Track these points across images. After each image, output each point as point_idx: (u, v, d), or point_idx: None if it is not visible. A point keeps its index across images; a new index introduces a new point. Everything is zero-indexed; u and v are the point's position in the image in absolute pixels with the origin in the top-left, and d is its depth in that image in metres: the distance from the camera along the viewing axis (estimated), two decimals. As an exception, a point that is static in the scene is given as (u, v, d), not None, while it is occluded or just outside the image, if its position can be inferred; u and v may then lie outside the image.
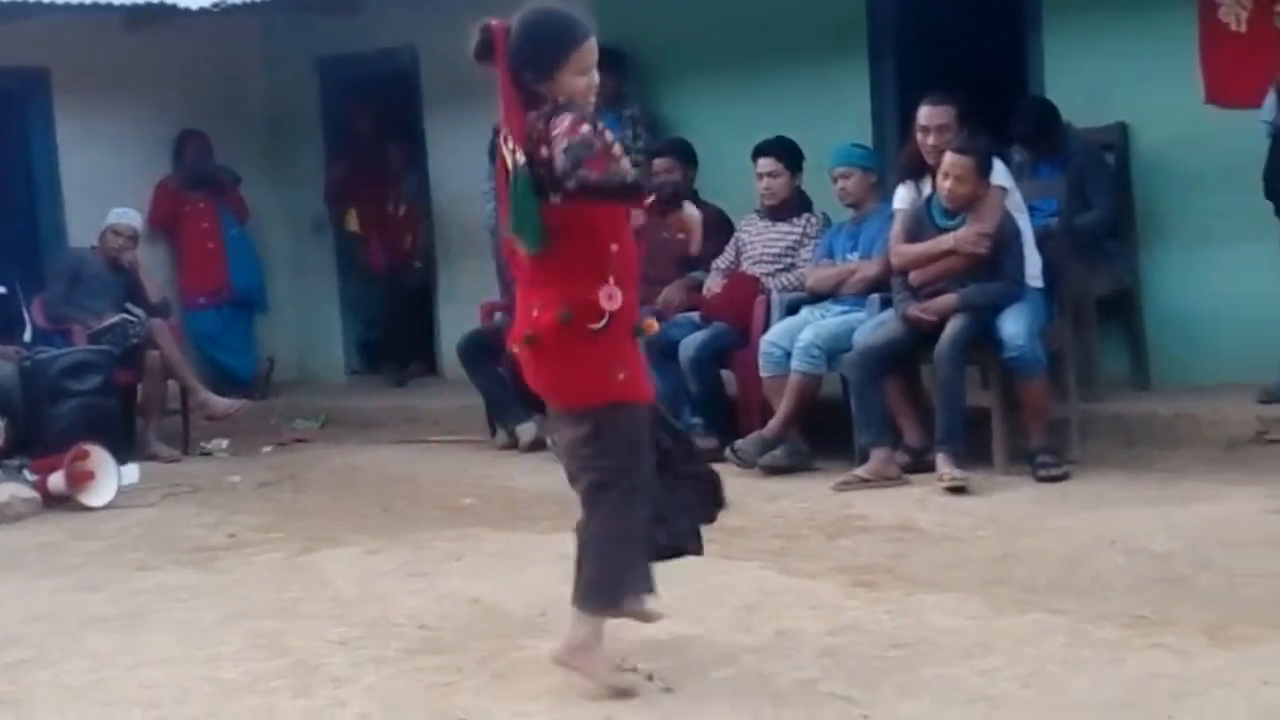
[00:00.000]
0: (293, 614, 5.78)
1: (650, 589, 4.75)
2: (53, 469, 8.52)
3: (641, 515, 4.61)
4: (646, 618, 4.86)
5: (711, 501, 5.02)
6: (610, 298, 4.45)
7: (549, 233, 4.43)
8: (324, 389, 11.93)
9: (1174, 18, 8.41)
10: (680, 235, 9.08)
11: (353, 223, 11.95)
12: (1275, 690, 4.22)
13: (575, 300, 4.45)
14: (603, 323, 4.45)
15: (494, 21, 4.46)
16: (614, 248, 4.55)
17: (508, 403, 9.48)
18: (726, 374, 8.68)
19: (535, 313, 4.53)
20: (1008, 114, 8.53)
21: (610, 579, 4.59)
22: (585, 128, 4.30)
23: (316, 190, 12.15)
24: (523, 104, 4.46)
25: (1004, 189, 7.72)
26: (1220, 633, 4.79)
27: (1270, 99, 7.71)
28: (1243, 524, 6.31)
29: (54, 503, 8.40)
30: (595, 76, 4.57)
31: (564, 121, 4.28)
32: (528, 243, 4.46)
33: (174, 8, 10.90)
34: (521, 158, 4.41)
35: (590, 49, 4.54)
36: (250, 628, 5.59)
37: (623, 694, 4.41)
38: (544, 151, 4.33)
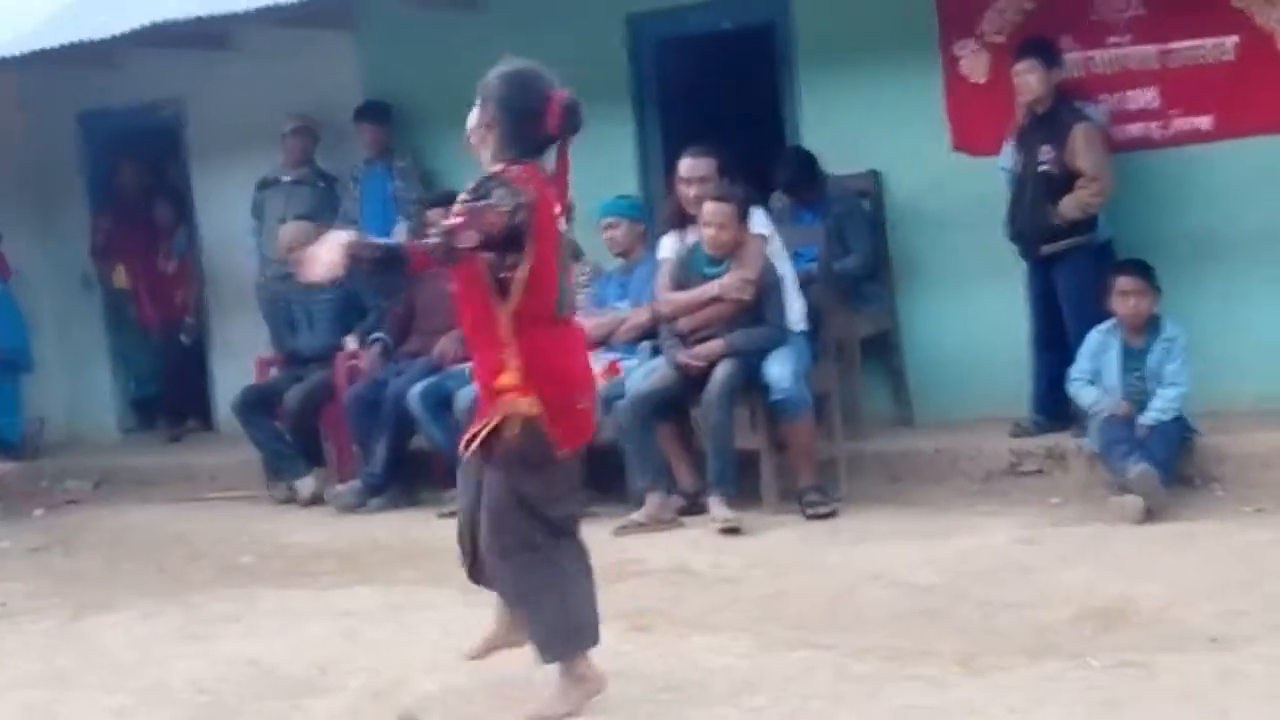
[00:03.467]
0: (65, 684, 5.69)
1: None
2: None
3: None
4: None
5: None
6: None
7: None
8: (96, 448, 11.71)
9: (920, 70, 8.60)
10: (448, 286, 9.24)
11: (121, 279, 11.75)
12: (1020, 713, 4.39)
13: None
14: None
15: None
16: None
17: (286, 457, 9.46)
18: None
19: None
20: (769, 164, 8.67)
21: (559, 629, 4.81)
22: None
23: (83, 246, 11.95)
24: None
25: (764, 236, 7.84)
26: (972, 662, 4.95)
27: (1008, 147, 8.00)
28: (996, 555, 6.50)
29: None
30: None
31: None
32: None
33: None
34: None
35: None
36: (20, 698, 5.51)
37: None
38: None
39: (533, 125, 4.95)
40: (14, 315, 11.54)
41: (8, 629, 6.81)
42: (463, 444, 5.03)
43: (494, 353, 4.75)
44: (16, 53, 10.70)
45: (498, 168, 4.85)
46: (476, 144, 5.05)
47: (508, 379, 4.70)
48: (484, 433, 4.78)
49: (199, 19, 9.78)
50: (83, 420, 12.16)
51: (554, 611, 4.78)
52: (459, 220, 4.62)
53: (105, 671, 5.82)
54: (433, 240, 4.70)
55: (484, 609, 6.21)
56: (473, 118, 5.07)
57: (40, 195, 11.92)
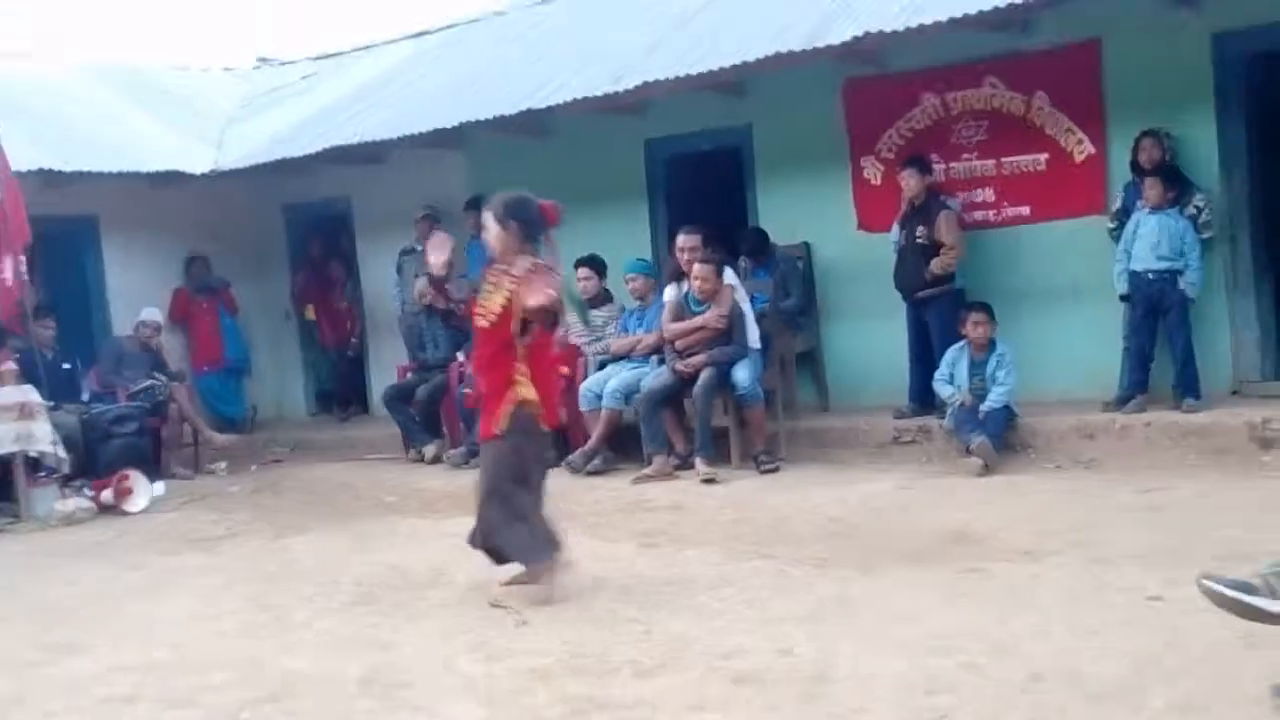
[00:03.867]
0: (271, 580, 5.74)
1: None
2: (104, 488, 8.36)
3: None
4: None
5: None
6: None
7: None
8: (292, 425, 11.75)
9: (838, 176, 8.61)
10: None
11: (310, 314, 11.81)
12: (900, 604, 4.43)
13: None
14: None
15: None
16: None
17: (417, 431, 9.49)
18: (563, 410, 8.59)
19: None
20: (736, 238, 8.66)
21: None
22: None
23: (284, 292, 12.03)
24: None
25: (733, 286, 7.87)
26: (868, 567, 5.00)
27: (895, 226, 7.97)
28: (884, 497, 6.55)
29: (106, 511, 8.23)
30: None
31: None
32: None
33: (183, 173, 10.83)
34: None
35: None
36: (243, 590, 5.56)
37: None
38: None
39: (536, 226, 5.15)
40: (239, 338, 11.61)
41: (234, 545, 6.87)
42: (484, 429, 5.06)
43: (510, 369, 4.92)
44: (247, 165, 10.84)
45: (526, 261, 5.00)
46: (492, 241, 5.12)
47: (520, 383, 4.91)
48: (503, 418, 4.89)
49: (364, 143, 9.88)
50: (283, 407, 12.22)
51: (521, 534, 4.90)
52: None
53: (297, 572, 5.88)
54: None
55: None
56: (490, 224, 5.12)
57: (257, 259, 11.98)
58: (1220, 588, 3.12)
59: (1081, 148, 7.76)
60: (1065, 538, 5.23)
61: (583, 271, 8.83)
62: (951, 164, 8.19)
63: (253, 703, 3.90)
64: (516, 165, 9.97)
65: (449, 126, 9.38)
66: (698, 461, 7.59)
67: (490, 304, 4.99)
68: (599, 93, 8.56)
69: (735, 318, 7.78)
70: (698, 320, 7.84)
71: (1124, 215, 7.38)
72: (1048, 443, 7.21)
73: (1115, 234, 7.43)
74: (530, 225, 5.12)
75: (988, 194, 8.11)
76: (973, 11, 7.03)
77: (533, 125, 9.21)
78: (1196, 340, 7.19)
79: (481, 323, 5.04)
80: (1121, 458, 6.87)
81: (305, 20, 28.94)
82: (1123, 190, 7.47)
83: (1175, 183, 7.20)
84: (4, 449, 8.06)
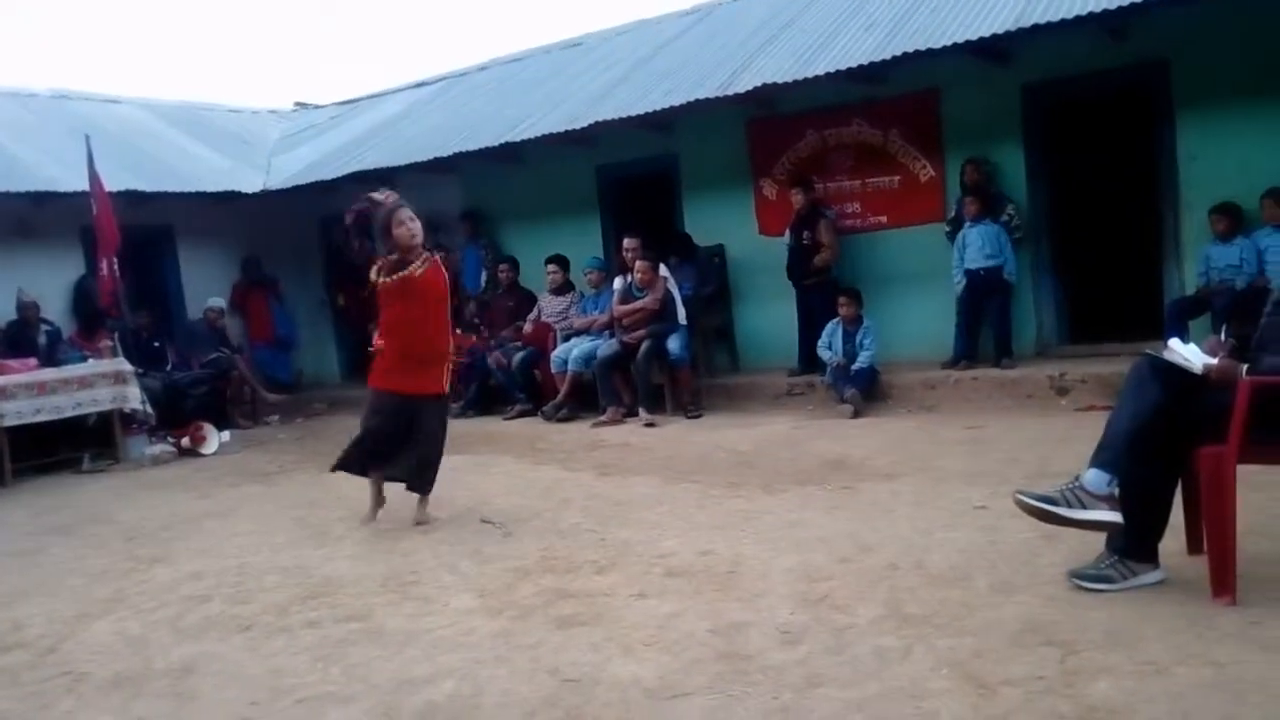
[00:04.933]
0: (315, 507, 5.68)
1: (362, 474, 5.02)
2: (183, 435, 8.23)
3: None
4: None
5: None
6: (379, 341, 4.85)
7: None
8: (328, 387, 11.58)
9: (743, 193, 8.58)
10: (511, 303, 9.17)
11: (341, 301, 11.63)
12: (792, 515, 4.46)
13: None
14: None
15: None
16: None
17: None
18: (537, 372, 8.59)
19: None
20: (667, 240, 8.58)
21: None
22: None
23: (320, 284, 11.82)
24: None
25: (666, 277, 7.85)
26: (769, 487, 5.02)
27: (787, 231, 7.96)
28: (780, 435, 6.56)
29: (184, 454, 8.11)
30: (413, 225, 4.70)
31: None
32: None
33: (238, 192, 10.61)
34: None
35: (404, 213, 4.70)
36: (292, 514, 5.51)
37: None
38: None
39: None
40: (286, 320, 11.43)
41: (285, 479, 6.77)
42: (433, 388, 4.89)
43: (447, 340, 4.93)
44: (288, 186, 10.64)
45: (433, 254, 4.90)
46: (417, 236, 4.77)
47: (453, 353, 5.04)
48: (445, 378, 4.91)
49: (379, 168, 9.71)
50: (321, 373, 12.01)
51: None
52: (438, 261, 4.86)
53: (334, 499, 5.78)
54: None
55: (527, 467, 6.27)
56: (417, 226, 4.76)
57: (298, 258, 11.76)
58: (1029, 499, 3.18)
59: (925, 171, 7.79)
60: (914, 464, 5.29)
61: (551, 266, 8.80)
62: (829, 183, 8.18)
63: (299, 598, 3.86)
64: (497, 186, 9.94)
65: (444, 155, 9.26)
66: (640, 411, 7.59)
67: (432, 279, 4.79)
68: (561, 129, 8.49)
69: (668, 301, 7.77)
70: (639, 303, 7.82)
71: (957, 223, 7.45)
72: (901, 393, 7.28)
73: (950, 235, 7.50)
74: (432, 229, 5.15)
75: (856, 206, 8.12)
76: (843, 67, 7.07)
77: (510, 154, 9.10)
78: (1010, 315, 7.32)
79: (425, 294, 4.78)
80: (955, 403, 6.96)
81: (332, 73, 28.43)
82: (956, 204, 7.54)
83: (991, 198, 7.30)
84: (104, 407, 7.91)
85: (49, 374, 7.71)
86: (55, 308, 9.37)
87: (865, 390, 7.14)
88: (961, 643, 2.84)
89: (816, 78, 7.16)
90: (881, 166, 7.95)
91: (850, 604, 3.23)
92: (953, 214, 7.55)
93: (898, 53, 6.86)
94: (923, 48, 6.77)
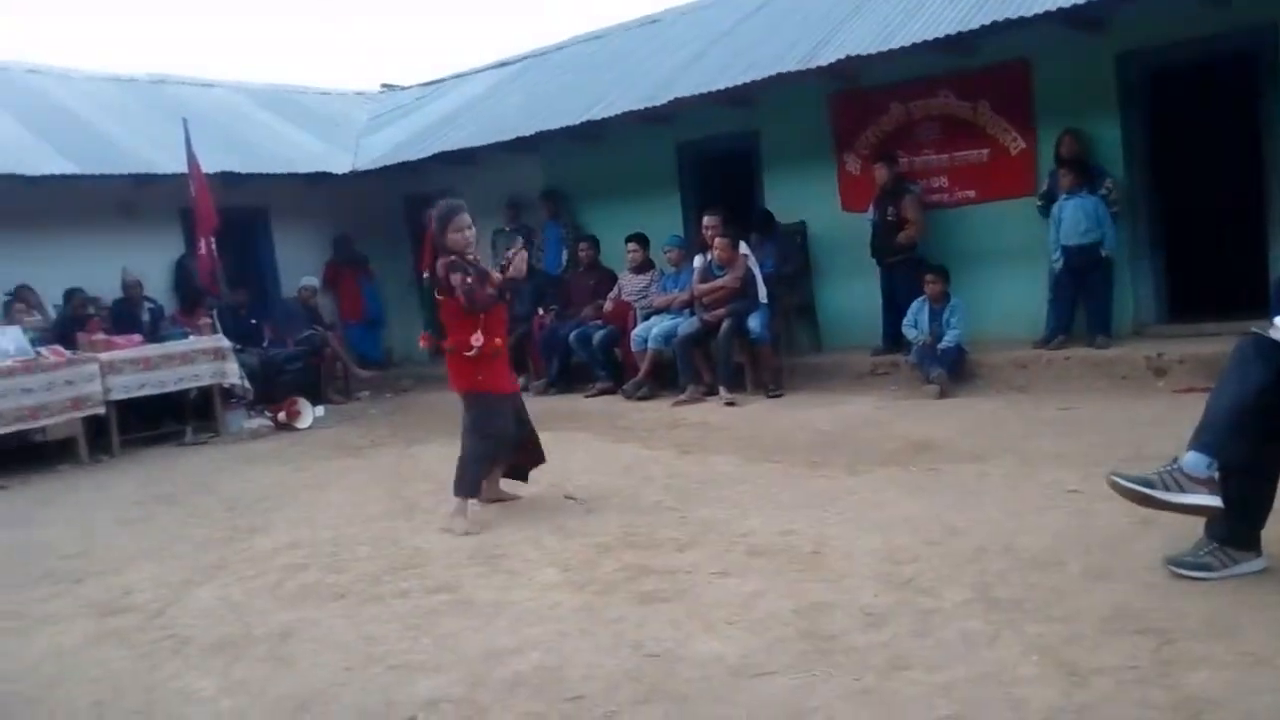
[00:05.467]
0: (405, 479, 5.81)
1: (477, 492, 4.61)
2: (279, 410, 8.51)
3: (483, 450, 4.56)
4: (496, 497, 4.78)
5: (537, 454, 4.88)
6: (478, 339, 4.49)
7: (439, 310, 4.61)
8: (416, 364, 11.75)
9: (825, 168, 8.44)
10: (591, 282, 9.22)
11: (428, 280, 11.80)
12: (876, 495, 4.41)
13: (458, 341, 4.54)
14: (473, 351, 4.51)
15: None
16: (482, 317, 4.49)
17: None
18: (618, 351, 8.64)
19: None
20: (748, 217, 8.51)
21: (469, 480, 4.53)
22: (466, 279, 4.40)
23: (408, 264, 11.95)
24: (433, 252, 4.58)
25: (746, 255, 7.79)
26: (852, 468, 4.97)
27: (871, 207, 7.83)
28: (863, 415, 6.47)
29: (280, 428, 8.38)
30: (469, 234, 4.53)
31: (455, 277, 4.43)
32: (430, 321, 4.69)
33: (329, 173, 10.84)
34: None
35: (463, 220, 4.51)
36: (383, 486, 5.64)
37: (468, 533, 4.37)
38: (450, 280, 4.44)
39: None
40: (376, 298, 11.58)
41: (375, 452, 6.93)
42: (515, 383, 4.89)
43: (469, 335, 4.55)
44: (376, 167, 10.84)
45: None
46: (471, 246, 4.63)
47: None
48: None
49: (462, 149, 9.85)
50: (410, 350, 12.03)
51: None
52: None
53: (422, 473, 5.91)
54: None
55: (608, 444, 6.32)
56: (472, 235, 4.62)
57: (386, 237, 11.91)
58: (1125, 481, 3.09)
59: (1016, 144, 7.57)
60: (1003, 445, 5.18)
61: (631, 245, 8.81)
62: (914, 158, 8.00)
63: (389, 569, 3.97)
64: (578, 164, 9.98)
65: (526, 135, 9.32)
66: (721, 389, 7.55)
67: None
68: (640, 107, 8.47)
69: (748, 279, 7.70)
70: (719, 281, 7.77)
71: (1049, 197, 7.22)
72: (990, 373, 7.11)
73: (1042, 210, 7.28)
74: (439, 226, 4.67)
75: (942, 181, 7.92)
76: (929, 38, 6.90)
77: (590, 133, 9.11)
78: (1108, 292, 7.09)
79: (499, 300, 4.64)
80: (1047, 384, 6.76)
81: (417, 55, 28.80)
82: (1048, 176, 7.31)
83: (1088, 170, 7.06)
84: (204, 382, 8.23)
85: (153, 350, 8.05)
86: (157, 286, 9.75)
87: (952, 370, 7.00)
88: (1052, 629, 2.78)
89: (902, 49, 7.01)
90: (970, 139, 7.74)
91: (936, 587, 3.19)
92: (1044, 187, 7.32)
93: (986, 22, 6.65)
94: (1013, 16, 6.55)
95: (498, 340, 4.60)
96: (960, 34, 6.77)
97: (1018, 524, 3.78)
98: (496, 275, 4.61)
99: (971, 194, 7.81)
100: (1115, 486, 3.12)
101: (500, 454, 4.71)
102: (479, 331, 4.51)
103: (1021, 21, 6.53)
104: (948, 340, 7.08)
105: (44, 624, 3.69)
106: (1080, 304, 7.15)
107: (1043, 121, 7.41)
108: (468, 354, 4.52)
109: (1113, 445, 4.85)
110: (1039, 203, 7.34)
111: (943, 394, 6.80)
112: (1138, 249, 7.30)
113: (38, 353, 7.48)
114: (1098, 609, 2.89)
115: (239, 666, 3.09)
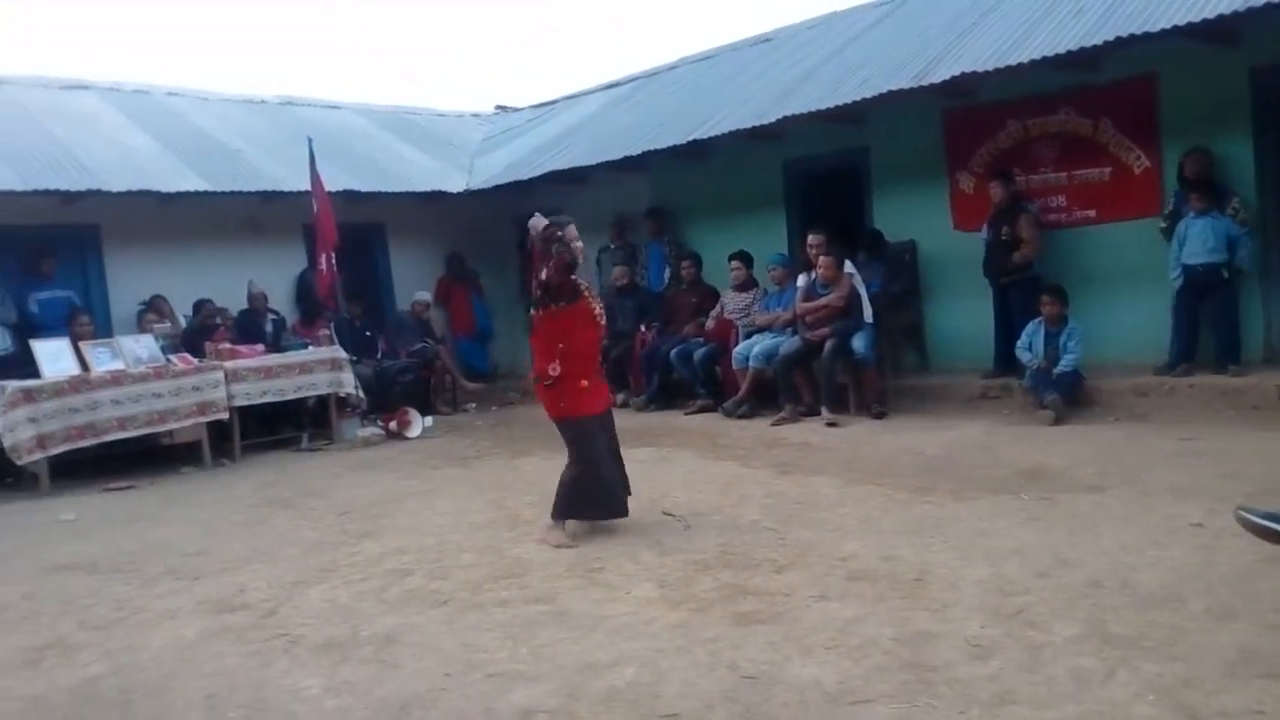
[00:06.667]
0: (508, 489, 5.89)
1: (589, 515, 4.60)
2: (390, 420, 8.75)
3: (578, 474, 4.52)
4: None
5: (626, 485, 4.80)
6: (554, 369, 4.47)
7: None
8: (522, 379, 11.91)
9: (937, 185, 8.27)
10: (694, 299, 9.20)
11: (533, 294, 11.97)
12: (984, 524, 4.28)
13: (539, 370, 4.56)
14: (550, 381, 4.50)
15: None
16: (560, 346, 4.47)
17: (610, 383, 9.46)
18: (718, 368, 8.60)
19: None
20: (856, 235, 8.44)
21: (564, 505, 4.54)
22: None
23: (516, 280, 12.16)
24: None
25: (852, 274, 7.70)
26: (959, 494, 4.84)
27: (985, 226, 7.63)
28: (972, 440, 6.30)
29: (391, 436, 8.60)
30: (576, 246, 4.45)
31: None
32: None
33: (444, 192, 11.13)
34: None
35: (570, 232, 4.43)
36: (487, 496, 5.73)
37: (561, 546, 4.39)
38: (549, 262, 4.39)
39: None
40: (486, 313, 11.84)
41: (481, 463, 7.05)
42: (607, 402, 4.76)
43: (548, 364, 4.58)
44: (489, 186, 11.08)
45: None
46: (580, 251, 4.55)
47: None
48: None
49: (572, 168, 10.00)
50: (516, 363, 12.19)
51: None
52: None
53: (525, 484, 5.99)
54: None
55: (707, 462, 6.29)
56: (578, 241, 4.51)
57: (497, 255, 12.12)
58: (1253, 517, 2.93)
59: (1140, 162, 7.27)
60: (1121, 475, 4.97)
61: (735, 262, 8.77)
62: (1030, 176, 7.77)
63: (492, 577, 4.03)
64: (684, 182, 10.02)
65: (634, 154, 9.41)
66: (823, 409, 7.47)
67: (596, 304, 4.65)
68: (749, 125, 8.45)
69: (853, 298, 7.62)
70: (823, 300, 7.71)
71: (1174, 217, 6.91)
72: (1108, 399, 6.82)
73: (1166, 232, 6.96)
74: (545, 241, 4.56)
75: (1060, 200, 7.66)
76: (1051, 54, 6.69)
77: (698, 151, 9.15)
78: (1237, 317, 6.74)
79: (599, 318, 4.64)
80: (1169, 412, 6.46)
81: (530, 77, 29.44)
82: (1173, 196, 6.99)
83: (1214, 190, 6.73)
84: (321, 390, 8.53)
85: (274, 359, 8.39)
86: (280, 298, 10.17)
87: (1068, 395, 6.74)
88: (1170, 669, 2.64)
89: (1020, 65, 6.82)
90: (1090, 157, 7.47)
91: (1047, 620, 3.07)
92: (1169, 208, 7.00)
93: (1110, 37, 6.42)
94: (1138, 31, 6.31)
95: (584, 382, 4.56)
96: (1083, 49, 6.55)
97: (1135, 558, 3.61)
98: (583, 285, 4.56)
99: (1091, 214, 7.53)
100: (1242, 522, 2.95)
101: (605, 476, 4.60)
102: (556, 362, 4.49)
103: (1148, 36, 6.28)
104: (1064, 364, 6.83)
105: (165, 618, 3.87)
106: (1206, 329, 6.81)
107: (1168, 139, 7.11)
108: (546, 383, 4.54)
109: (1239, 479, 4.60)
110: (1163, 224, 7.03)
111: (1057, 420, 6.55)
112: (1270, 273, 6.91)
113: (168, 360, 7.89)
114: (1221, 650, 2.73)
115: (345, 667, 3.17)
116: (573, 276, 4.50)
